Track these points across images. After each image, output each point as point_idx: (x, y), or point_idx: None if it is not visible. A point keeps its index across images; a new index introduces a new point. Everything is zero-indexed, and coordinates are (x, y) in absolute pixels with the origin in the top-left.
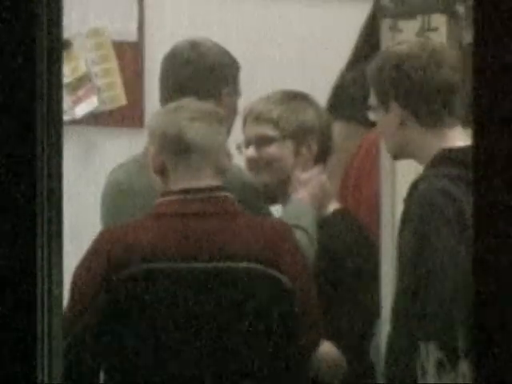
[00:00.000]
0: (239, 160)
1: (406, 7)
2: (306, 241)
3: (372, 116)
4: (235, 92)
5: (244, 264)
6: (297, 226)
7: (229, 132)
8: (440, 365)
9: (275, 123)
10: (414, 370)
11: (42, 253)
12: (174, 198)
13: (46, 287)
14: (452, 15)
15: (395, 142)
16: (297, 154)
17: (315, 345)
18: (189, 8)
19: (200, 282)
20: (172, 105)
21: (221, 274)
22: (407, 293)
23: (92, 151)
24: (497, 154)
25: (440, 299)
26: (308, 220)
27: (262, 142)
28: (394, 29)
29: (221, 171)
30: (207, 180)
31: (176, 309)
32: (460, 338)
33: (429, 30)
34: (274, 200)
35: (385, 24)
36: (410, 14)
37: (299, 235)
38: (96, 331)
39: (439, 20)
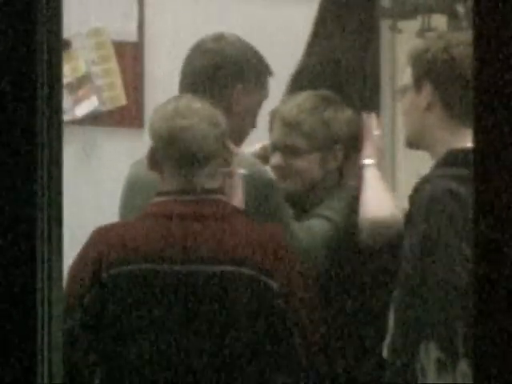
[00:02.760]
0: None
1: (406, 7)
2: (323, 229)
3: (399, 95)
4: (255, 92)
5: (230, 268)
6: (320, 216)
7: (244, 131)
8: (440, 365)
9: (306, 135)
10: (413, 370)
11: (42, 252)
12: (165, 198)
13: (46, 287)
14: (452, 15)
15: (416, 126)
16: (323, 164)
17: (312, 346)
18: (189, 8)
19: (185, 284)
20: (171, 101)
21: (206, 278)
22: (411, 293)
23: (92, 151)
24: (497, 154)
25: (445, 300)
26: (338, 209)
27: (289, 151)
28: (394, 29)
29: (219, 173)
30: (202, 182)
31: (161, 310)
32: (460, 337)
33: (429, 30)
34: (301, 207)
35: (385, 24)
36: (410, 14)
37: (318, 224)
38: (85, 329)
39: (439, 20)
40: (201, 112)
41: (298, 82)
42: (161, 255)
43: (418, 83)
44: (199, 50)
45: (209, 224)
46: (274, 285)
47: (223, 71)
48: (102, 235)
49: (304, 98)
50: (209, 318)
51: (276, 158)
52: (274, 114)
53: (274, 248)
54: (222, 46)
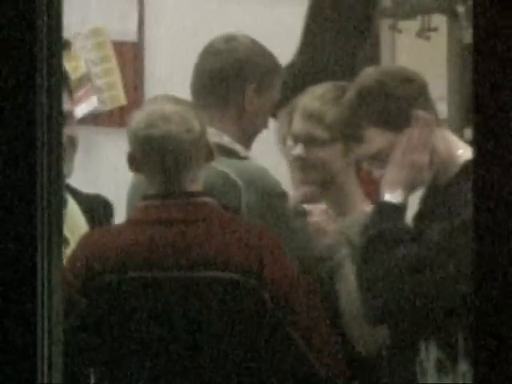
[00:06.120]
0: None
1: (406, 7)
2: (343, 253)
3: (376, 172)
4: (267, 92)
5: (217, 272)
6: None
7: (256, 131)
8: (440, 365)
9: (328, 126)
10: (414, 370)
11: (42, 252)
12: (151, 202)
13: (46, 287)
14: (452, 15)
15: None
16: (345, 155)
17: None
18: (189, 8)
19: (173, 291)
20: (146, 107)
21: (193, 283)
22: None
23: (92, 151)
24: (497, 154)
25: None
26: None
27: (311, 142)
28: (394, 29)
29: (200, 174)
30: (184, 185)
31: (149, 317)
32: (460, 337)
33: (429, 30)
34: (314, 199)
35: (385, 24)
36: (410, 14)
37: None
38: (76, 334)
39: (439, 20)
40: (175, 118)
41: (289, 80)
42: (148, 262)
43: (357, 136)
44: (210, 52)
45: (194, 228)
46: (259, 287)
47: (235, 72)
48: (90, 241)
49: (325, 89)
50: (196, 323)
51: (298, 149)
52: (292, 107)
53: (263, 249)
54: (233, 46)
